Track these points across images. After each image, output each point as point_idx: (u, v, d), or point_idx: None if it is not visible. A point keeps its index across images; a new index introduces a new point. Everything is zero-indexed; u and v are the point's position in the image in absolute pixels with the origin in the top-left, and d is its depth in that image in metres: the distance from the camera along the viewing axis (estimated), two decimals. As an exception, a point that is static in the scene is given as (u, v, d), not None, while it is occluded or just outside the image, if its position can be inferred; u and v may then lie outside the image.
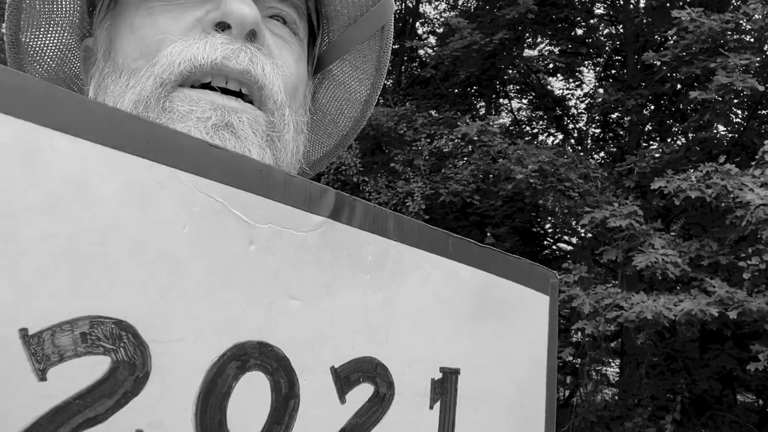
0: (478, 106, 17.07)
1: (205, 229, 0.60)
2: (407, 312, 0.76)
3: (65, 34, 1.01)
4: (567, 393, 15.14)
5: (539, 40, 16.07)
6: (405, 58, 17.73)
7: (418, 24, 18.31)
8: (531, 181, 11.23)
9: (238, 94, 0.92)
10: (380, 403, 0.72)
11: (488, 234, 13.03)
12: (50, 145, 0.52)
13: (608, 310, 10.01)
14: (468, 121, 12.23)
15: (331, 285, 0.69)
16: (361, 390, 0.71)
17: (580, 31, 15.74)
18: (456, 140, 12.30)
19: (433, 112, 14.21)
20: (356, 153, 12.74)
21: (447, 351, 0.80)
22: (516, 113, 17.93)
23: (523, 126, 17.51)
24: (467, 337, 0.82)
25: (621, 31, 15.05)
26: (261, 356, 0.62)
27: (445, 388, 0.79)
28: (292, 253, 0.66)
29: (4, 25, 0.96)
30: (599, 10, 15.25)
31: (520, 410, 0.88)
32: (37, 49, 1.00)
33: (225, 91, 0.90)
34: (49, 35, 0.99)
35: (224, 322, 0.60)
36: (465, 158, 12.65)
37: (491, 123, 12.13)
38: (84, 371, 0.52)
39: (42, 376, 0.50)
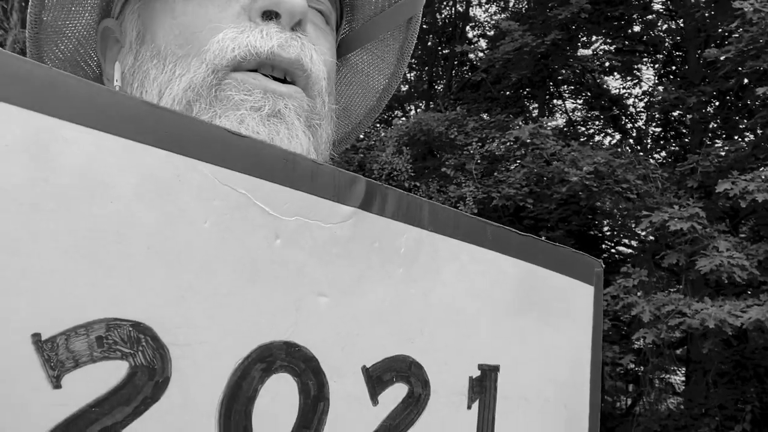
0: (531, 108, 17.00)
1: (228, 224, 0.58)
2: (443, 306, 0.73)
3: (87, 14, 1.01)
4: (629, 401, 14.93)
5: (594, 38, 15.93)
6: (455, 63, 17.77)
7: (468, 28, 18.33)
8: (586, 183, 11.12)
9: (284, 82, 0.93)
10: (415, 403, 0.70)
11: (543, 238, 12.82)
12: (61, 136, 0.50)
13: (670, 317, 9.84)
14: (520, 123, 12.17)
15: (361, 280, 0.67)
16: (394, 390, 0.68)
17: (637, 28, 15.57)
18: (508, 143, 12.24)
19: (484, 116, 14.20)
20: (407, 158, 12.79)
21: (486, 347, 0.77)
22: (570, 114, 17.80)
23: (578, 127, 17.36)
24: (507, 331, 0.80)
25: (681, 25, 14.83)
26: (288, 357, 0.60)
27: (484, 387, 0.77)
28: (320, 247, 0.64)
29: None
30: (657, 5, 15.06)
31: (564, 410, 0.86)
32: (57, 29, 1.00)
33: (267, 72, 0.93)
34: (71, 15, 0.99)
35: (249, 321, 0.59)
36: (518, 161, 12.59)
37: (544, 125, 12.05)
38: (100, 377, 0.50)
39: (56, 384, 0.48)
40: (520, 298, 0.81)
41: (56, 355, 0.48)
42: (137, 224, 0.53)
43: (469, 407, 0.75)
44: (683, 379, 14.63)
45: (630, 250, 15.09)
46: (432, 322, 0.72)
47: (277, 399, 0.60)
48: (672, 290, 11.27)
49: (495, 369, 0.78)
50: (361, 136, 15.93)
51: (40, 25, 0.97)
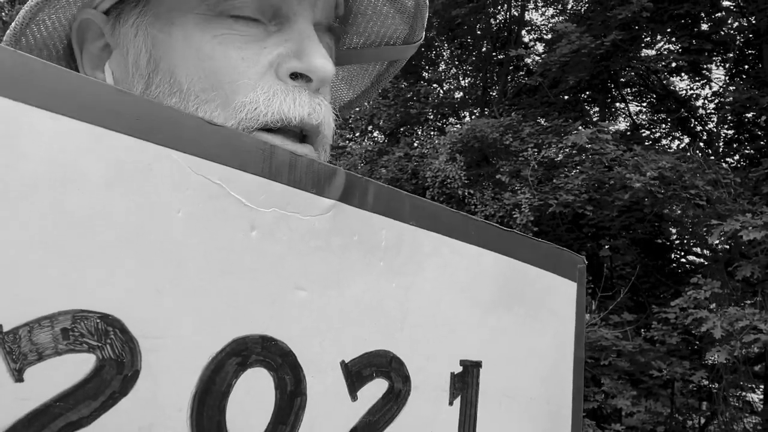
0: (591, 112, 16.81)
1: (202, 214, 0.59)
2: (425, 301, 0.74)
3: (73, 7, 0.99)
4: (702, 420, 14.61)
5: (658, 38, 15.68)
6: (510, 68, 17.70)
7: (524, 32, 18.24)
8: (651, 189, 10.94)
9: (300, 139, 0.99)
10: (395, 399, 0.71)
11: (605, 246, 12.71)
12: (28, 123, 0.51)
13: (744, 333, 9.59)
14: (579, 128, 12.03)
15: (341, 273, 0.67)
16: (374, 386, 0.69)
17: (704, 27, 15.29)
18: (566, 149, 12.11)
19: (541, 121, 14.09)
20: (461, 166, 12.76)
21: (468, 342, 0.78)
22: (634, 117, 17.56)
23: (642, 131, 17.10)
24: (490, 327, 0.80)
25: (753, 22, 14.52)
26: (264, 351, 0.61)
27: (466, 383, 0.77)
28: (298, 240, 0.64)
29: None
30: (726, 2, 14.76)
31: (547, 406, 0.86)
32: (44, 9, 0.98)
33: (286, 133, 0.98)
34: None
35: (223, 315, 0.59)
36: (576, 167, 12.46)
37: (606, 129, 11.87)
38: (66, 371, 0.51)
39: (18, 377, 0.49)
40: (502, 294, 0.82)
41: (18, 348, 0.48)
42: (106, 213, 0.54)
43: (450, 403, 0.75)
44: (762, 397, 14.26)
45: (701, 260, 14.79)
46: (413, 317, 0.72)
47: (253, 394, 0.60)
48: (748, 302, 10.98)
49: (477, 365, 0.78)
50: (415, 144, 15.96)
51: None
